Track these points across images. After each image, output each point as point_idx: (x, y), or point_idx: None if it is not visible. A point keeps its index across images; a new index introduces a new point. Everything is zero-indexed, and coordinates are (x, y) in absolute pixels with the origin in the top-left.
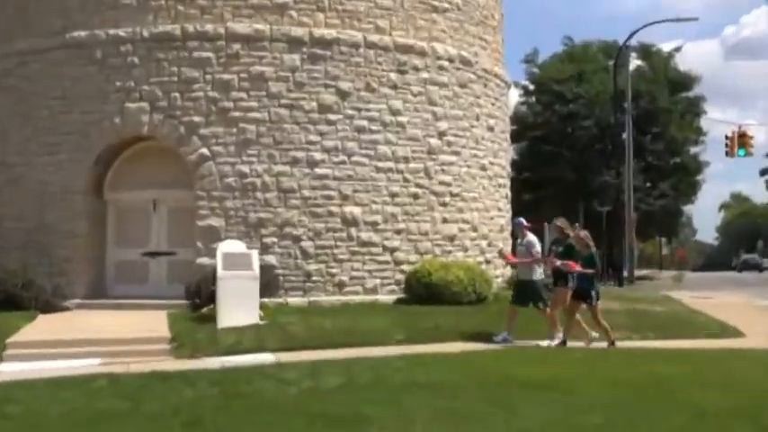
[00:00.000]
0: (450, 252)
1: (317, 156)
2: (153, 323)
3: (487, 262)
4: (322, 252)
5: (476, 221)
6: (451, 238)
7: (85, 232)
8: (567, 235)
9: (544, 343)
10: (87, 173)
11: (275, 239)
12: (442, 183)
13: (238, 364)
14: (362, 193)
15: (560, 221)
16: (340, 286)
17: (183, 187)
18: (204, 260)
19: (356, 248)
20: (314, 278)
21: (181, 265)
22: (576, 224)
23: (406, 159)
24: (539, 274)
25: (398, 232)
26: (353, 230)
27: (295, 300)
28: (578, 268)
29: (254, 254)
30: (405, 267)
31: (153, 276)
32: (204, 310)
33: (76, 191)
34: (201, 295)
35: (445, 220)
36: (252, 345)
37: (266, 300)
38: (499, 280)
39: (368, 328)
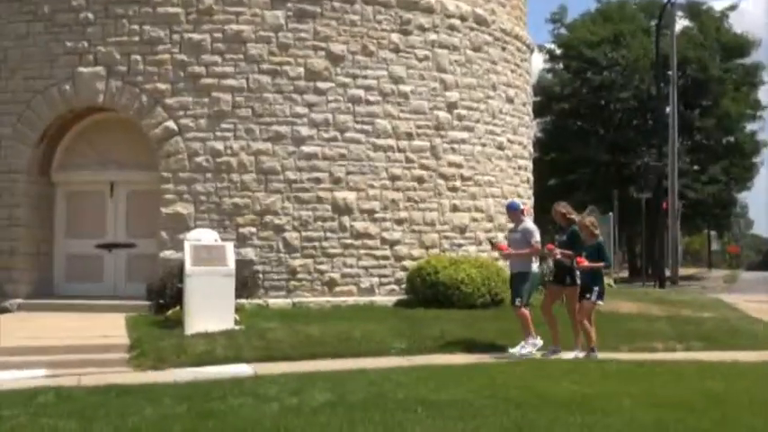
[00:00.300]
0: (460, 246)
1: (304, 131)
2: (109, 327)
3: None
4: (309, 245)
5: (491, 210)
6: (462, 230)
7: (29, 221)
8: (570, 221)
9: (569, 355)
10: (31, 151)
11: (254, 230)
12: (451, 164)
13: (210, 377)
14: (357, 176)
15: (561, 206)
16: (330, 285)
17: (146, 168)
18: (169, 253)
19: (350, 241)
20: (299, 276)
21: (142, 259)
22: (589, 207)
23: (410, 136)
24: (534, 267)
25: (400, 222)
26: (346, 220)
27: (277, 301)
28: (586, 263)
29: (229, 246)
30: (407, 264)
31: (109, 272)
32: (169, 312)
33: (18, 171)
34: (166, 295)
35: (455, 209)
36: (226, 354)
37: (243, 301)
38: None
39: (363, 336)
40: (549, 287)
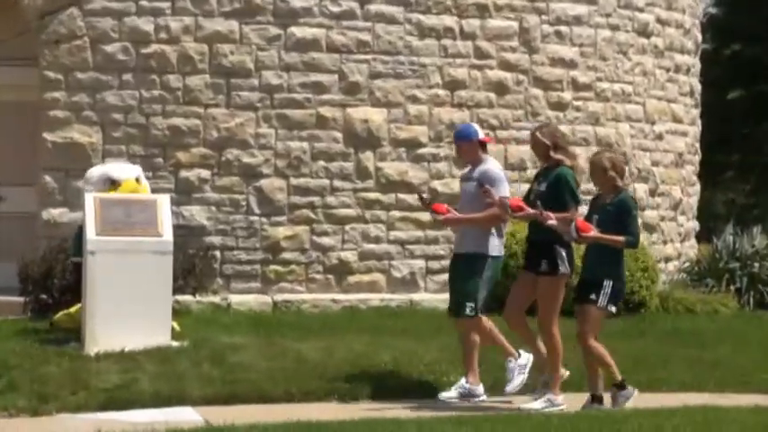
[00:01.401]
0: None
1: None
2: None
3: (651, 230)
4: (303, 202)
5: (625, 143)
6: None
7: None
8: (557, 160)
9: (534, 404)
10: None
11: (206, 174)
12: (556, 61)
13: (128, 431)
14: (389, 81)
15: (545, 131)
16: (340, 273)
17: (17, 62)
18: (59, 213)
19: (374, 196)
20: (285, 256)
21: (10, 223)
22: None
23: (483, 10)
24: (497, 246)
25: (460, 163)
26: (369, 158)
27: (246, 299)
28: (595, 232)
29: (164, 202)
30: None
31: None
32: (58, 315)
33: None
34: (52, 286)
35: None
36: (156, 390)
37: (187, 298)
38: (672, 266)
39: (396, 361)
40: (518, 278)
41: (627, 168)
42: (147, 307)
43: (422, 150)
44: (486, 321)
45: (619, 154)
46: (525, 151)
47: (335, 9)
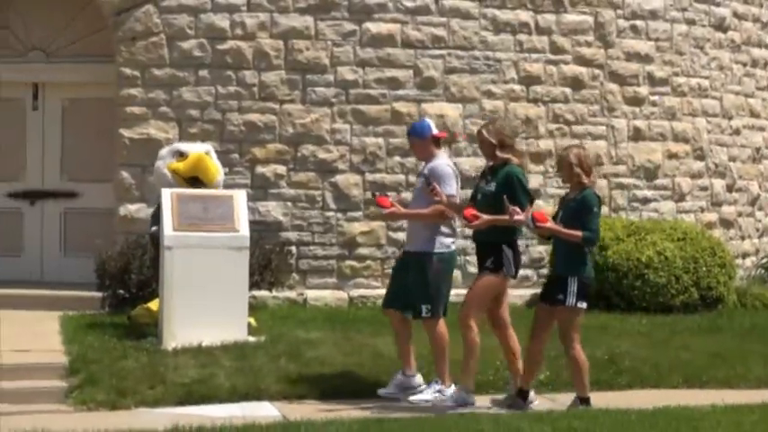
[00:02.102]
0: (646, 201)
1: None
2: (31, 335)
3: (728, 225)
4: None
5: (702, 138)
6: (651, 173)
7: None
8: (503, 159)
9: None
10: None
11: (282, 169)
12: (632, 55)
13: (206, 425)
14: (465, 76)
15: (491, 128)
16: None
17: (95, 59)
18: (136, 209)
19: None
20: (362, 251)
21: (88, 218)
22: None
23: (558, 5)
24: (443, 242)
25: (539, 158)
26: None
27: (323, 294)
28: (551, 224)
29: (240, 197)
30: None
31: (31, 241)
32: (135, 310)
33: None
34: (130, 281)
35: (638, 135)
36: (233, 385)
37: (264, 293)
38: (750, 262)
39: (480, 355)
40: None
41: (594, 166)
42: (224, 302)
43: None
44: (446, 335)
45: (587, 150)
46: (601, 146)
47: (410, 4)
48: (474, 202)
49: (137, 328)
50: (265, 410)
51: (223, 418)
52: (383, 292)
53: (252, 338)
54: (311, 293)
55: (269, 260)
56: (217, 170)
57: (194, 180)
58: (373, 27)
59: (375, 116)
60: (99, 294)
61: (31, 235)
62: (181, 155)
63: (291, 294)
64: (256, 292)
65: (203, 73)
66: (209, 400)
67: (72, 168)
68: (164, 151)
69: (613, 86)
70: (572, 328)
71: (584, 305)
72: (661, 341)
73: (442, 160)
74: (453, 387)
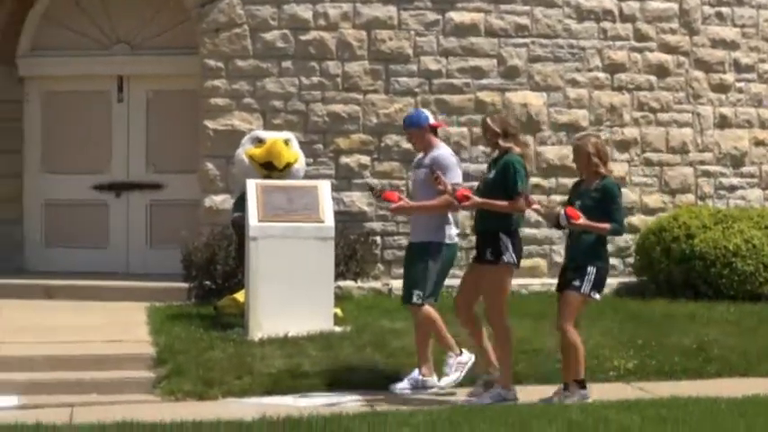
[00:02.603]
0: (733, 189)
1: None
2: (120, 326)
3: None
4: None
5: None
6: (737, 160)
7: None
8: (506, 148)
9: (483, 399)
10: None
11: (366, 159)
12: (717, 42)
13: (293, 415)
14: (549, 64)
15: (495, 116)
16: None
17: (179, 51)
18: (221, 200)
19: (534, 180)
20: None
21: (173, 210)
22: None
23: None
24: (449, 233)
25: (624, 146)
26: (529, 142)
27: None
28: (583, 219)
29: (324, 187)
30: (636, 221)
31: (118, 233)
32: (221, 301)
33: None
34: (216, 272)
35: (725, 123)
36: (319, 375)
37: (349, 283)
38: None
39: (558, 346)
40: (467, 269)
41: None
42: (310, 292)
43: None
44: (434, 312)
45: (602, 139)
46: (687, 134)
47: None
48: (477, 191)
49: (223, 319)
50: (351, 400)
51: (310, 407)
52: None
53: (337, 328)
54: (396, 283)
55: (354, 250)
56: (291, 155)
57: (268, 165)
58: (456, 16)
59: (458, 105)
60: (185, 285)
61: (116, 227)
62: (260, 141)
63: (376, 284)
64: (342, 283)
65: (287, 64)
66: (295, 390)
67: (157, 160)
68: (244, 138)
69: (699, 74)
70: (573, 312)
71: (597, 296)
72: (749, 329)
73: (444, 150)
74: (435, 377)
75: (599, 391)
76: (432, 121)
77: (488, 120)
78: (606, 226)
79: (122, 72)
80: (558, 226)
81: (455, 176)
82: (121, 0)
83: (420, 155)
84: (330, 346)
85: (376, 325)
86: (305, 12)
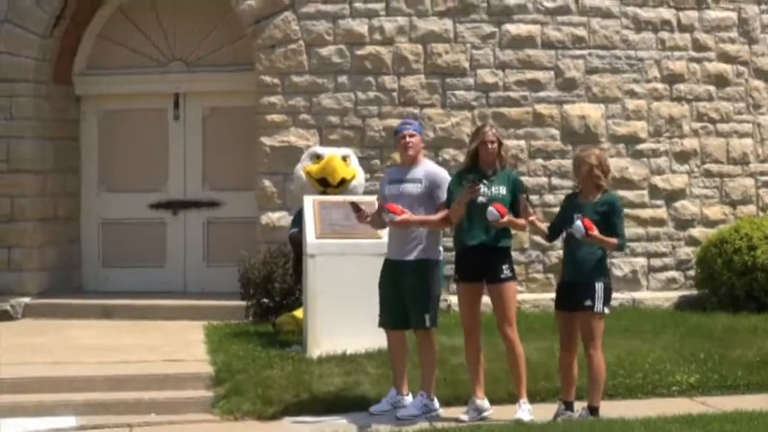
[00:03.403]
0: None
1: None
2: (178, 345)
3: None
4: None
5: None
6: None
7: (38, 161)
8: (500, 158)
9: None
10: (39, 41)
11: None
12: None
13: None
14: (606, 76)
15: (489, 129)
16: (559, 272)
17: (234, 67)
18: (278, 217)
19: None
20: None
21: (230, 227)
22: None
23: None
24: (439, 249)
25: (683, 157)
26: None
27: None
28: (596, 232)
29: None
30: (696, 233)
31: (175, 251)
32: (279, 319)
33: (17, 79)
34: (273, 290)
35: None
36: (380, 393)
37: None
38: None
39: (619, 360)
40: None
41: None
42: (368, 309)
43: (641, 146)
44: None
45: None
46: (748, 144)
47: (550, 5)
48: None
49: (281, 337)
50: (411, 417)
51: (370, 426)
52: (528, 296)
53: None
54: (454, 299)
55: None
56: (348, 171)
57: (323, 181)
58: (513, 28)
59: (516, 118)
60: (242, 303)
61: (174, 245)
62: (317, 157)
63: (442, 300)
64: None
65: (342, 79)
66: (355, 407)
67: (213, 178)
68: (304, 155)
69: (759, 83)
70: (597, 334)
71: (607, 311)
72: None
73: (434, 168)
74: (436, 400)
75: (661, 407)
76: (419, 128)
77: (488, 130)
78: (614, 240)
79: (178, 89)
80: (566, 238)
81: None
82: (177, 17)
83: (395, 168)
84: (388, 363)
85: (442, 343)
86: (360, 26)
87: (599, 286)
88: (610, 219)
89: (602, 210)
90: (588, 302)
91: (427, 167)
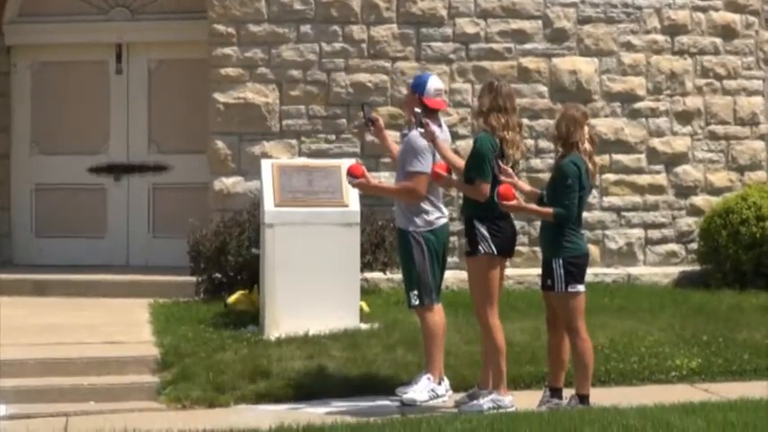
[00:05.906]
0: None
1: None
2: (119, 325)
3: None
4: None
5: None
6: None
7: None
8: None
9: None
10: None
11: (396, 134)
12: None
13: (315, 424)
14: (600, 26)
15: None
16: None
17: (184, 14)
18: (232, 182)
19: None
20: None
21: (179, 194)
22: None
23: None
24: (426, 219)
25: (685, 117)
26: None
27: (444, 275)
28: (519, 201)
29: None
30: (700, 201)
31: (117, 220)
32: (233, 297)
33: None
34: (227, 264)
35: None
36: (344, 379)
37: (377, 275)
38: None
39: (613, 343)
40: None
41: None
42: (333, 285)
43: (638, 105)
44: (441, 325)
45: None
46: (757, 103)
47: None
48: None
49: (235, 316)
50: (382, 406)
51: (334, 415)
52: (511, 271)
53: (364, 326)
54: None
55: (382, 238)
56: None
57: None
58: None
59: (499, 73)
60: (192, 279)
61: (115, 214)
62: None
63: None
64: (368, 274)
65: (305, 28)
66: (317, 395)
67: (160, 139)
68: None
69: None
70: (573, 315)
71: (576, 288)
72: None
73: (415, 134)
74: (445, 383)
75: (659, 394)
76: (438, 87)
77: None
78: (549, 210)
79: (121, 39)
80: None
81: (424, 161)
82: None
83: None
84: (356, 345)
85: (407, 322)
86: None
87: (557, 263)
88: (555, 185)
89: (553, 175)
90: (549, 282)
91: (412, 131)
